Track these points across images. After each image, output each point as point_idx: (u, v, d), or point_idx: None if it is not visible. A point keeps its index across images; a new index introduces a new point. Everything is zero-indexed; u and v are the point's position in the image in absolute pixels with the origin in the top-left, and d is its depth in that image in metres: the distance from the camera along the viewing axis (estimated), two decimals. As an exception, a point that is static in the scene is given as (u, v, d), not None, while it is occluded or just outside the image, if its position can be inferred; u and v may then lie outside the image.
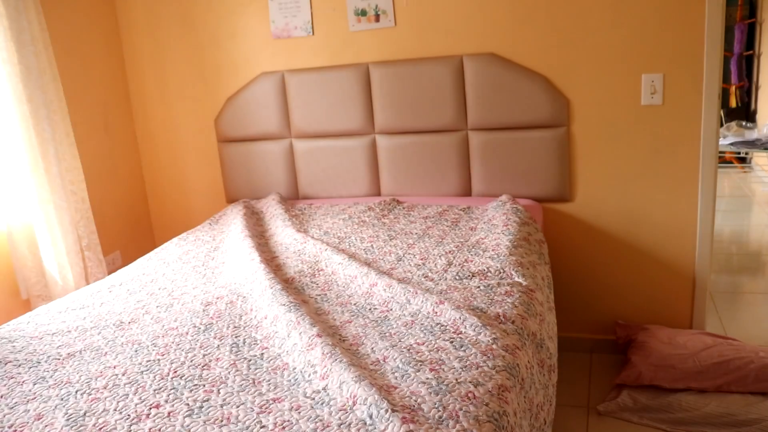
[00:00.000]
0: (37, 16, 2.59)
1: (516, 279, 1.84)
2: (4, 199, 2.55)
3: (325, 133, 2.96)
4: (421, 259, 2.05)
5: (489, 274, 1.88)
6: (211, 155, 3.23)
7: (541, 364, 1.62)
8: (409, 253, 2.12)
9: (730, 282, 3.43)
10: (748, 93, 6.53)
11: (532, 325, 1.63)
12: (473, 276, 1.87)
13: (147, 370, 1.48)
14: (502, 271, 1.88)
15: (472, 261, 1.98)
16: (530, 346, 1.55)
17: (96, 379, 1.47)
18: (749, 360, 2.31)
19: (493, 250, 2.04)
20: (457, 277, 1.87)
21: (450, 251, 2.09)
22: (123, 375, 1.47)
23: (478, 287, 1.78)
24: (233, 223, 2.63)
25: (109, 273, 2.91)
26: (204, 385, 1.38)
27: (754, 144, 5.37)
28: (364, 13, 2.81)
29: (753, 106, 6.49)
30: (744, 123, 5.76)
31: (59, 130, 2.69)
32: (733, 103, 6.44)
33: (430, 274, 1.92)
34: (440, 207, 2.62)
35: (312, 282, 1.96)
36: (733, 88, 6.38)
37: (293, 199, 3.10)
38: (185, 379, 1.42)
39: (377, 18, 2.79)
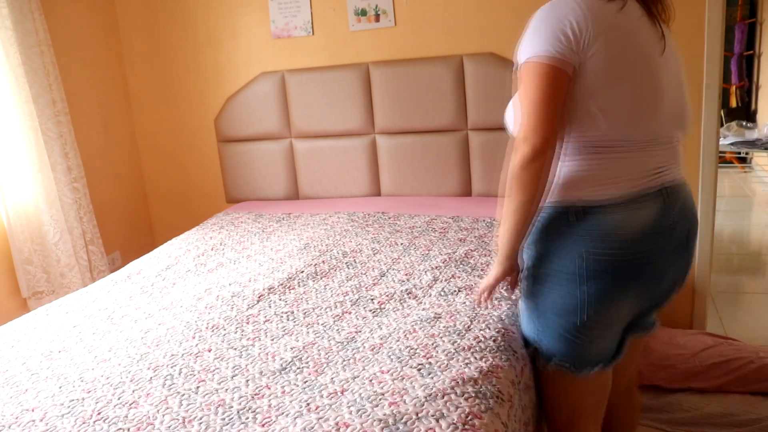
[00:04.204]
0: (39, 17, 2.59)
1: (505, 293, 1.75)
2: (6, 197, 2.56)
3: (325, 133, 2.96)
4: (406, 275, 1.95)
5: (476, 289, 1.77)
6: (211, 155, 3.22)
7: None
8: (394, 268, 2.01)
9: (730, 282, 3.43)
10: (748, 93, 6.52)
11: (521, 336, 1.54)
12: (459, 291, 1.78)
13: (69, 412, 1.31)
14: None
15: (459, 277, 1.89)
16: (520, 359, 1.45)
17: (9, 427, 1.27)
18: (749, 360, 2.30)
19: (482, 269, 1.96)
20: (443, 293, 1.77)
21: (437, 266, 1.99)
22: (41, 421, 1.29)
23: (464, 303, 1.69)
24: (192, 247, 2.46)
25: (110, 273, 2.91)
26: (129, 429, 1.24)
27: (754, 144, 5.36)
28: (364, 12, 2.81)
29: (753, 106, 6.48)
30: (744, 123, 5.75)
31: (64, 129, 2.73)
32: (733, 103, 6.43)
33: (414, 291, 1.81)
34: (428, 216, 2.53)
35: (280, 300, 1.84)
36: (733, 88, 6.37)
37: (293, 199, 3.10)
38: (108, 422, 1.27)
39: (377, 18, 2.79)
